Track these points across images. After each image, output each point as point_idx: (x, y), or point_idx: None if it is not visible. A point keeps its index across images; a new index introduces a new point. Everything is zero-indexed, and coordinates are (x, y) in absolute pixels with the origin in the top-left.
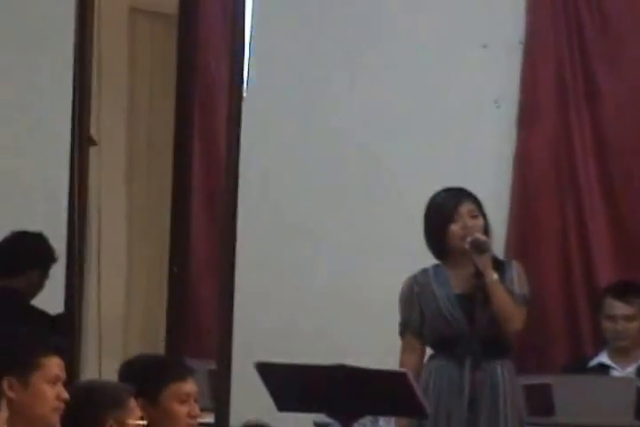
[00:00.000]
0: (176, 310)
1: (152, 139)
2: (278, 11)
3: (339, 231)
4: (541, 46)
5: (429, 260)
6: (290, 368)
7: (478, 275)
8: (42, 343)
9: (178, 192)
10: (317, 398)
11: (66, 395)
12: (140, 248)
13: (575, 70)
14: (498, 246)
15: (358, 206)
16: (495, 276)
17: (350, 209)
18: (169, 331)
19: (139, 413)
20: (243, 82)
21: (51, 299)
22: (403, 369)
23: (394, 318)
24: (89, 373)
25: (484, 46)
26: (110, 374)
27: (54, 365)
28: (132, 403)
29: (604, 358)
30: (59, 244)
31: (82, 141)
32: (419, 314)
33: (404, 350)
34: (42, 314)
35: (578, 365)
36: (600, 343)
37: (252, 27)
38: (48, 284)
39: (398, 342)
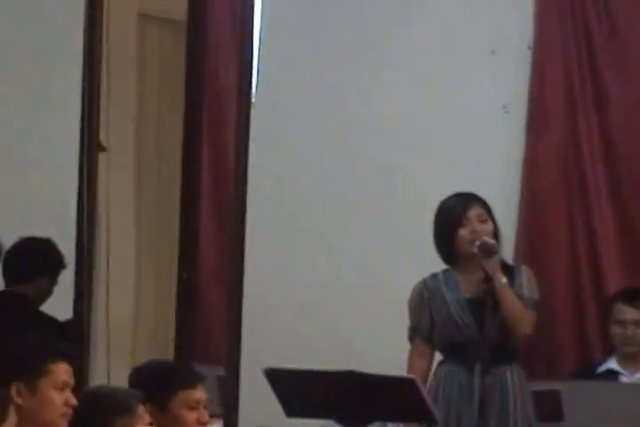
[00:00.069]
0: (185, 316)
1: (161, 145)
2: (288, 17)
3: (350, 239)
4: (550, 52)
5: (440, 265)
6: (298, 374)
7: (488, 280)
8: (50, 349)
9: (187, 199)
10: (326, 405)
11: (74, 401)
12: (148, 255)
13: (583, 75)
14: (507, 251)
15: (370, 214)
16: (504, 279)
17: (362, 217)
18: (178, 337)
19: (147, 419)
20: (251, 89)
21: (59, 305)
22: (411, 375)
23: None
24: (97, 379)
25: (493, 52)
26: (119, 380)
27: (62, 371)
28: (141, 409)
29: (612, 364)
30: (68, 250)
31: (91, 147)
32: (428, 319)
33: (413, 354)
34: (50, 320)
35: (586, 371)
36: (609, 349)
37: (261, 33)
38: (57, 290)
39: (408, 347)
